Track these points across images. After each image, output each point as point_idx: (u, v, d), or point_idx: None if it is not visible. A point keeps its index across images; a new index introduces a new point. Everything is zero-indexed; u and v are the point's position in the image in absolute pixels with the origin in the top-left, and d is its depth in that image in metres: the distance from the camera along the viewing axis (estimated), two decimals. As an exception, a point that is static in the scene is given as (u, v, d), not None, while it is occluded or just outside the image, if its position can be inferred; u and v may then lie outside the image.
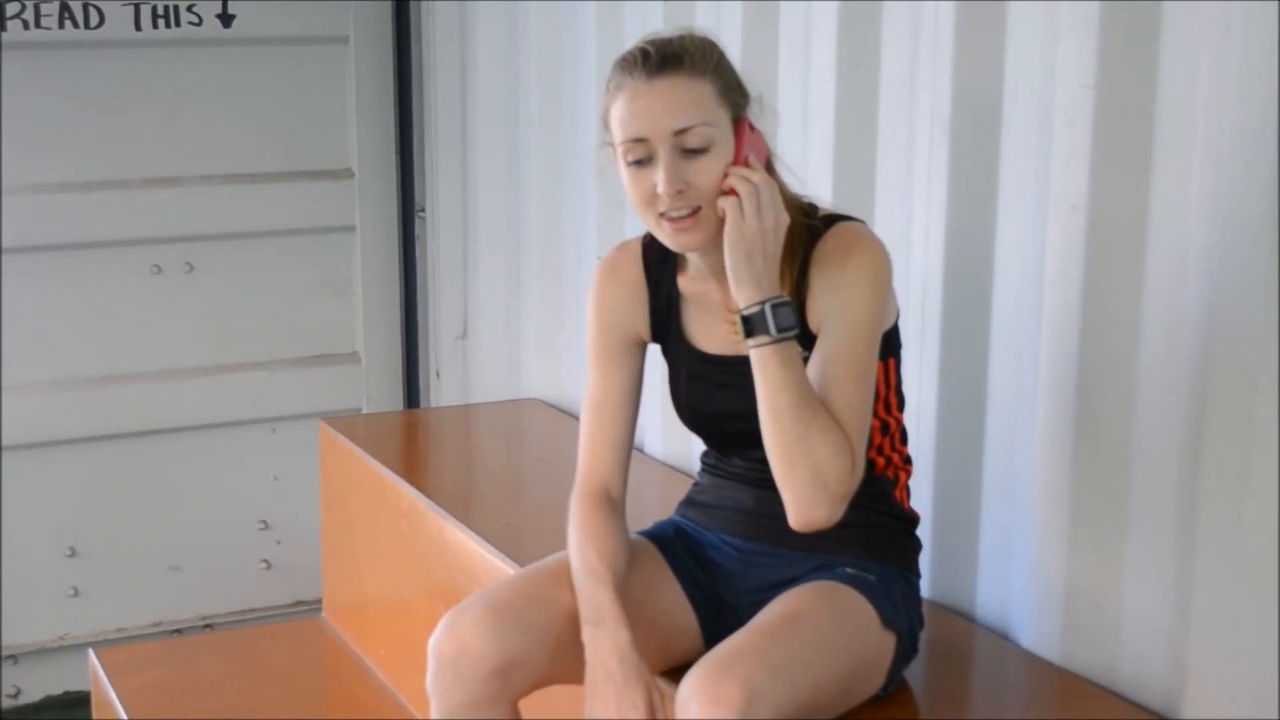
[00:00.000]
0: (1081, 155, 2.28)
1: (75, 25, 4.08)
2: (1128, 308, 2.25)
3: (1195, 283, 2.15)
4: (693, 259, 2.24)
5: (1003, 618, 2.52)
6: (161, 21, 4.19)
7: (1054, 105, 2.33)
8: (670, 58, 2.08)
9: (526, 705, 2.25)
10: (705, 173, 2.07)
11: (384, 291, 4.51)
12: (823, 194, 2.78)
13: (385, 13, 4.41)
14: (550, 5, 3.76)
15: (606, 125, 2.14)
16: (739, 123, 2.11)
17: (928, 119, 2.60)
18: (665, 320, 2.31)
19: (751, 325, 2.04)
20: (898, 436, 2.31)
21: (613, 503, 2.31)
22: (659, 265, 2.30)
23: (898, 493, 2.31)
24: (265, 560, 4.48)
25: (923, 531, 2.40)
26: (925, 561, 2.57)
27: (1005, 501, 2.51)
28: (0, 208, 4.06)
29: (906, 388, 2.34)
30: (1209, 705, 2.15)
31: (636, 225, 3.37)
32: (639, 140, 2.07)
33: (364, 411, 4.50)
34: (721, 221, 2.06)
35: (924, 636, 2.34)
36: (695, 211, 2.08)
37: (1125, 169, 2.23)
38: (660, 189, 2.06)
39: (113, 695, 3.32)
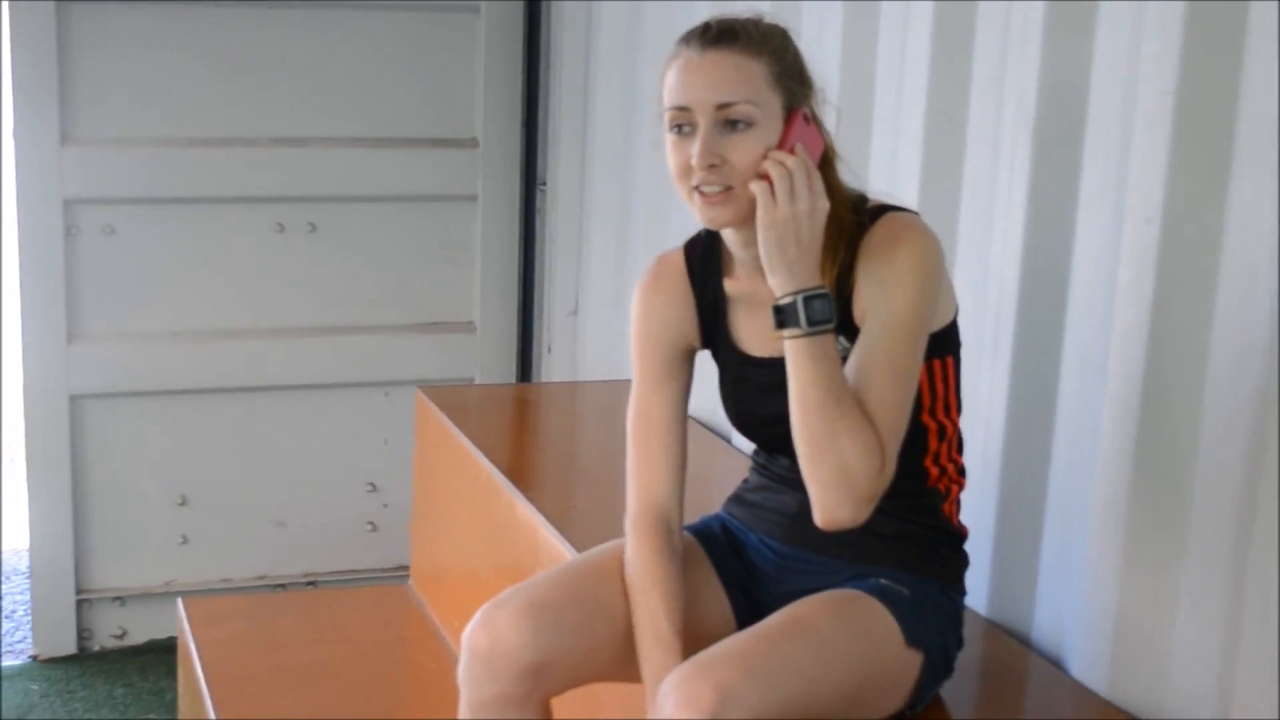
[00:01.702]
0: (1158, 164, 2.17)
1: (212, -17, 4.15)
2: (1196, 326, 2.14)
3: (1265, 303, 2.04)
4: (738, 255, 2.17)
5: (1056, 643, 2.43)
6: (297, -17, 4.24)
7: (1135, 110, 2.22)
8: (726, 33, 2.04)
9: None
10: (742, 151, 2.00)
11: (503, 262, 4.51)
12: (910, 190, 2.71)
13: (518, -17, 4.42)
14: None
15: (661, 94, 2.09)
16: (793, 112, 2.04)
17: (1013, 117, 2.50)
18: (713, 323, 2.25)
19: (784, 316, 1.98)
20: (954, 444, 2.21)
21: (671, 534, 2.21)
22: (703, 269, 2.24)
23: (947, 506, 2.22)
24: (371, 523, 4.52)
25: (984, 545, 2.32)
26: (984, 577, 2.49)
27: (1067, 519, 2.41)
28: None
29: (976, 394, 2.25)
30: (1251, 751, 2.05)
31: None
32: (682, 109, 2.03)
33: (477, 381, 4.52)
34: (753, 204, 2.00)
35: (974, 657, 2.26)
36: (728, 189, 2.02)
37: (1202, 181, 2.12)
38: (694, 160, 2.01)
39: (192, 645, 3.36)
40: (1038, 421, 2.47)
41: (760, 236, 1.99)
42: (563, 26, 4.24)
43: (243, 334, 4.35)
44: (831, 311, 1.98)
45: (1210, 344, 2.13)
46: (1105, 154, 2.32)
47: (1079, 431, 2.38)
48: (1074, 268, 2.40)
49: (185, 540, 4.38)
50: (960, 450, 2.23)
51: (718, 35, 2.04)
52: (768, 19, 2.09)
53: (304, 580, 4.47)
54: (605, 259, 4.11)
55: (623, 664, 2.19)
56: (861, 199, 2.12)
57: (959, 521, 2.24)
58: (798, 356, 1.98)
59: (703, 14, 3.46)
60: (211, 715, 3.07)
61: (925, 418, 2.14)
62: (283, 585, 4.45)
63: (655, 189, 3.81)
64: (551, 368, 4.41)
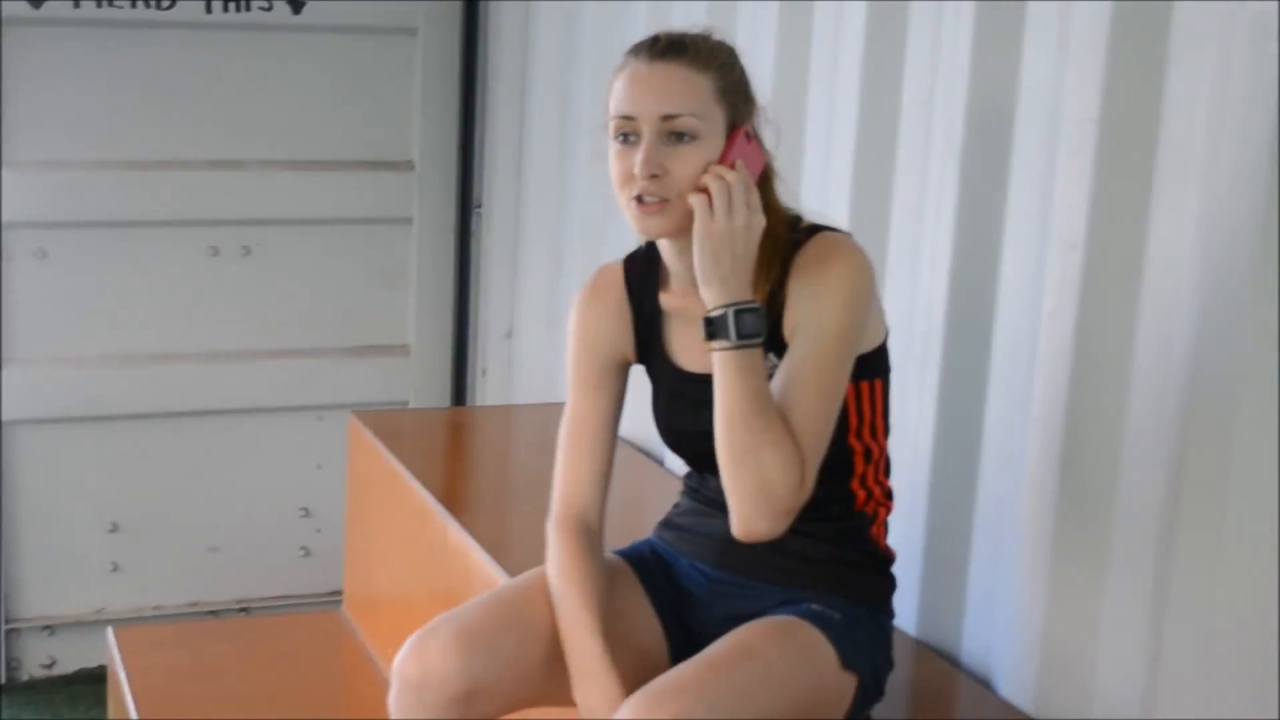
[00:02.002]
0: (1082, 190, 2.21)
1: (146, 6, 4.12)
2: (1118, 351, 2.18)
3: (1184, 331, 2.07)
4: (674, 268, 2.19)
5: (985, 663, 2.45)
6: (232, 6, 4.21)
7: (1059, 137, 2.26)
8: (675, 46, 2.06)
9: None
10: (684, 162, 2.02)
11: (437, 285, 4.51)
12: (840, 212, 2.73)
13: (455, 8, 4.40)
14: (605, 10, 3.72)
15: (606, 105, 2.11)
16: (735, 128, 2.06)
17: (942, 142, 2.52)
18: (648, 338, 2.26)
19: (714, 328, 2.00)
20: (881, 467, 2.23)
21: (591, 535, 2.25)
22: (640, 283, 2.26)
23: (875, 529, 2.24)
24: (304, 548, 4.50)
25: (913, 567, 2.35)
26: (913, 598, 2.51)
27: (994, 541, 2.44)
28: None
29: (904, 417, 2.27)
30: (1176, 770, 2.08)
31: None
32: (627, 118, 2.04)
33: (411, 404, 4.50)
34: (689, 216, 2.01)
35: (905, 678, 2.28)
36: (665, 201, 2.04)
37: (1123, 209, 2.16)
38: (636, 169, 2.02)
39: (122, 674, 3.34)
40: (965, 445, 2.50)
41: (695, 249, 2.00)
42: (499, 50, 4.26)
43: (176, 358, 4.32)
44: (761, 326, 2.00)
45: (1132, 369, 2.16)
46: (1030, 180, 2.35)
47: (1006, 455, 2.41)
48: (1000, 292, 2.42)
49: (116, 567, 4.34)
50: (888, 473, 2.25)
51: (666, 48, 2.06)
52: (716, 35, 2.11)
53: (237, 607, 4.44)
54: (540, 282, 4.12)
55: (555, 687, 2.19)
56: (797, 218, 2.14)
57: (886, 544, 2.26)
58: (725, 369, 2.00)
59: (642, 36, 3.51)
60: (141, 744, 3.05)
61: (852, 439, 2.15)
62: (215, 612, 4.41)
63: (591, 212, 3.82)
64: (487, 391, 4.41)
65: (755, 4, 3.03)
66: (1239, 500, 1.97)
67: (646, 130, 2.02)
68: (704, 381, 2.13)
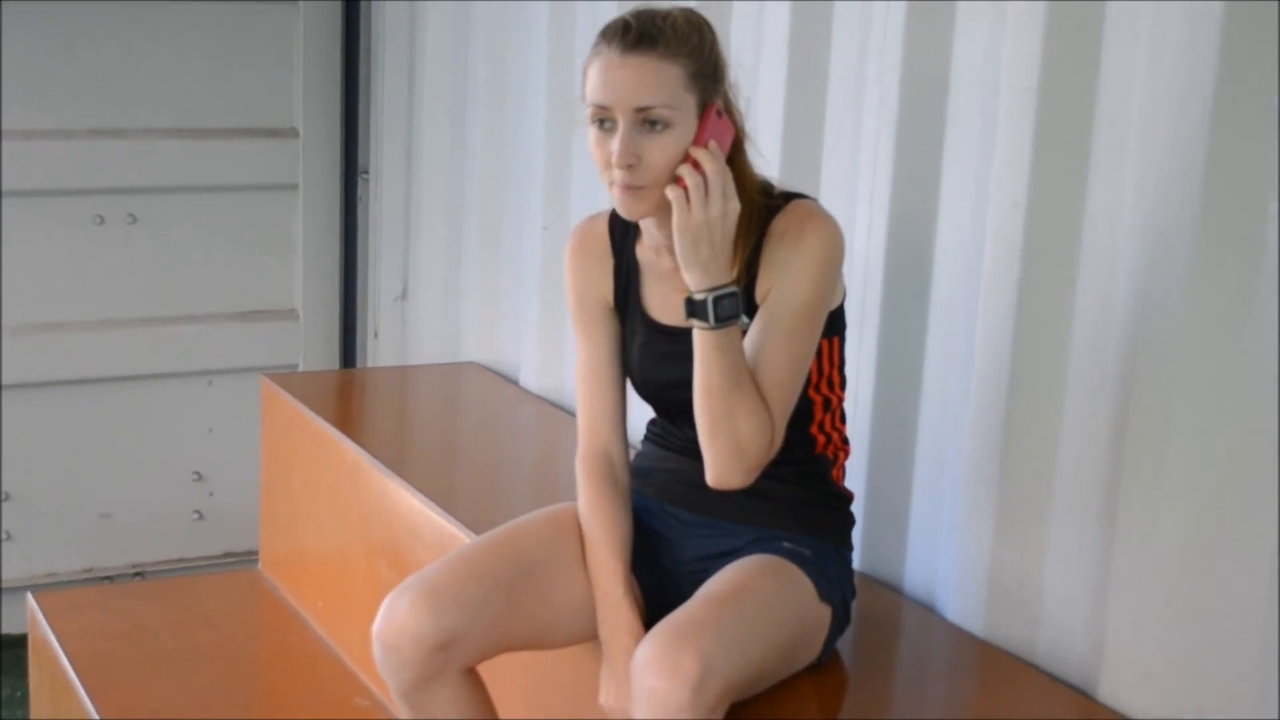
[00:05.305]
0: (1022, 156, 2.38)
1: (27, -26, 4.11)
2: (1060, 305, 2.36)
3: (1123, 285, 2.26)
4: (647, 230, 2.32)
5: (929, 591, 2.65)
6: (114, -27, 4.23)
7: (998, 106, 2.44)
8: (646, 36, 2.14)
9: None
10: (660, 150, 2.13)
11: (324, 250, 4.58)
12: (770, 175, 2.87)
13: (336, -28, 4.48)
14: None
15: (583, 87, 2.20)
16: (706, 107, 2.17)
17: (875, 113, 2.70)
18: (626, 289, 2.39)
19: (694, 309, 2.13)
20: (838, 415, 2.40)
21: (615, 471, 2.41)
22: (621, 236, 2.39)
23: (835, 472, 2.41)
24: (198, 511, 4.54)
25: (856, 507, 2.51)
26: (857, 536, 2.68)
27: (935, 483, 2.63)
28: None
29: (847, 369, 2.45)
30: (1123, 681, 2.28)
31: (580, 200, 3.49)
32: (603, 107, 2.15)
33: (301, 368, 4.57)
34: (668, 201, 2.13)
35: (855, 606, 2.46)
36: (643, 187, 2.15)
37: (1063, 172, 2.34)
38: (614, 159, 2.14)
39: (52, 639, 3.37)
40: (905, 396, 2.68)
41: (675, 239, 2.12)
42: (384, 17, 4.32)
43: (64, 327, 4.33)
44: (738, 308, 2.14)
45: (1072, 320, 2.35)
46: (968, 146, 2.53)
47: (947, 404, 2.59)
48: (938, 254, 2.60)
49: (9, 536, 4.34)
50: (844, 421, 2.43)
51: (637, 39, 2.14)
52: (685, 13, 2.18)
53: (131, 572, 4.47)
54: (436, 246, 4.20)
55: (530, 633, 2.37)
56: (769, 185, 2.28)
57: (844, 486, 2.44)
58: (704, 346, 2.15)
59: (540, 11, 3.62)
60: (89, 708, 3.09)
61: (812, 392, 2.32)
62: (109, 578, 4.44)
63: (488, 177, 3.93)
64: (379, 353, 4.49)
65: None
66: (1181, 438, 2.17)
67: (622, 120, 2.13)
68: (676, 334, 2.29)
